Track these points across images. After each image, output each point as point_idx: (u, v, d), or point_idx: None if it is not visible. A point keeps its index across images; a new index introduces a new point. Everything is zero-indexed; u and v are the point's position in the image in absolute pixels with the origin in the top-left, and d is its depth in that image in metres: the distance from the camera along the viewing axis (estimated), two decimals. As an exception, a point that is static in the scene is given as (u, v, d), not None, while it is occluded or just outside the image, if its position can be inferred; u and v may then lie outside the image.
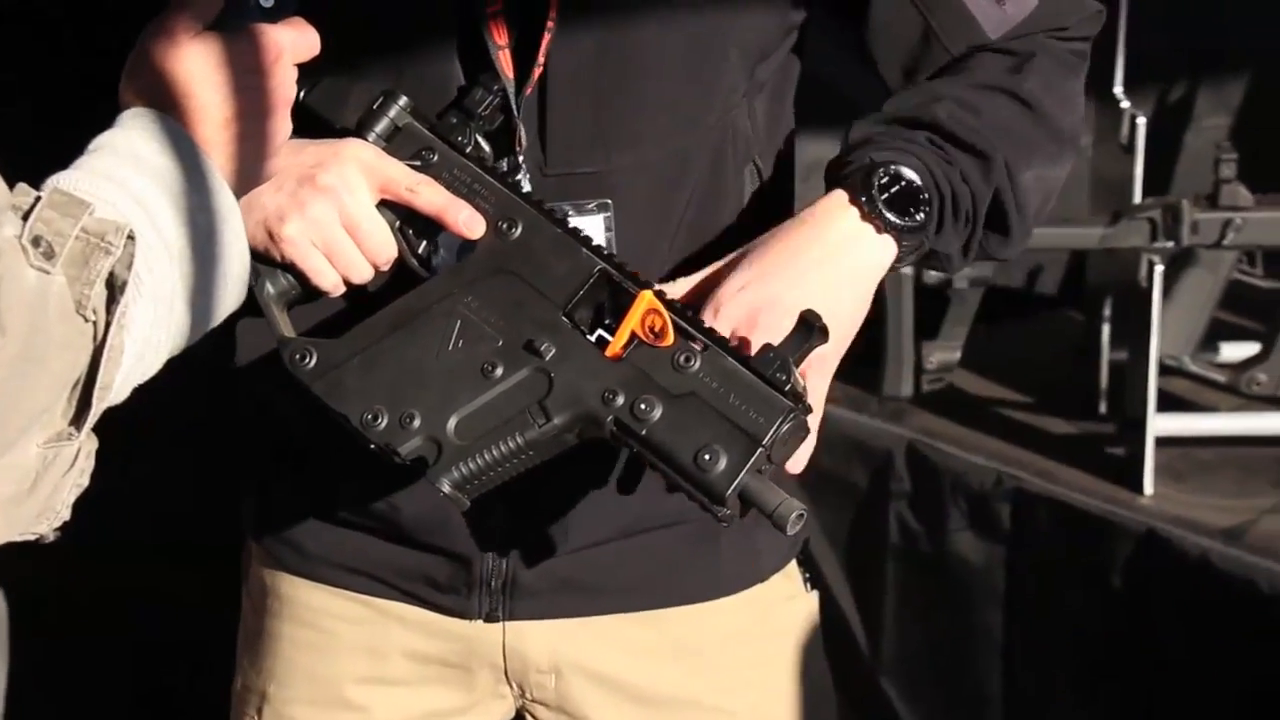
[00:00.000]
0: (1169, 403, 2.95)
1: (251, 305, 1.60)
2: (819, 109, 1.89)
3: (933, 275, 2.93)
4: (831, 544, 2.99)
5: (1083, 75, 1.66)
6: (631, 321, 1.46)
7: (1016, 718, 2.91)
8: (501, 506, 1.61)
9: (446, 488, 1.44)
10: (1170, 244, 2.92)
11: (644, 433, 1.44)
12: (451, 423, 1.46)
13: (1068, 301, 3.50)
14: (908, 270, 2.95)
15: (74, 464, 1.14)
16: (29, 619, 2.70)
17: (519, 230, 1.50)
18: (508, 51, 1.54)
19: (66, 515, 1.16)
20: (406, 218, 1.52)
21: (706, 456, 1.42)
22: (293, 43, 1.33)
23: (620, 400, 1.44)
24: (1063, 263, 3.51)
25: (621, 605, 1.68)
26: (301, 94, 1.49)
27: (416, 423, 1.46)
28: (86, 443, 1.14)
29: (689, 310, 1.47)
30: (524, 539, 1.65)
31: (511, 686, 1.71)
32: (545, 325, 1.47)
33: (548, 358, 1.46)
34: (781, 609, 1.75)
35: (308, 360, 1.49)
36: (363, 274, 1.51)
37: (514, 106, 1.55)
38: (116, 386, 1.14)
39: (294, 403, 1.58)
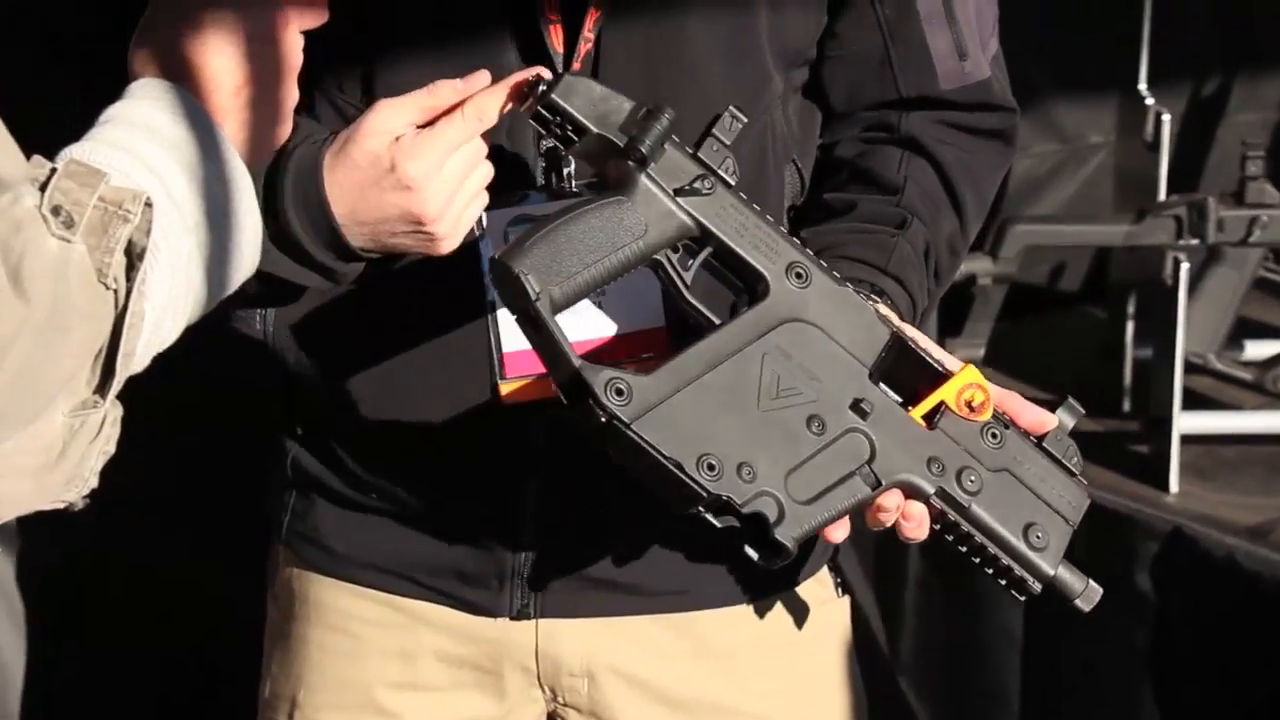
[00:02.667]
0: (1194, 401, 2.94)
1: (281, 298, 1.59)
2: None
3: (957, 272, 2.92)
4: (853, 542, 2.96)
5: (1004, 171, 1.77)
6: (946, 392, 1.47)
7: (1035, 718, 2.90)
8: (537, 500, 1.61)
9: (791, 545, 1.41)
10: (1196, 241, 2.90)
11: (970, 506, 1.45)
12: (787, 479, 1.42)
13: (1092, 299, 3.49)
14: (931, 267, 2.94)
15: (100, 431, 1.14)
16: (53, 620, 2.70)
17: (809, 281, 1.47)
18: (559, 26, 1.55)
19: (95, 483, 1.16)
20: (687, 265, 1.47)
21: (1038, 535, 1.46)
22: (300, 11, 1.33)
23: (947, 472, 1.45)
24: (1087, 260, 3.49)
25: (654, 607, 1.68)
26: (543, 86, 1.46)
27: (757, 478, 1.41)
28: (112, 410, 1.14)
29: None
30: (558, 533, 1.64)
31: (543, 690, 1.70)
32: (860, 385, 1.45)
33: (869, 419, 1.45)
34: (814, 614, 1.75)
35: (625, 396, 1.38)
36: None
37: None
38: (139, 354, 1.15)
39: (330, 399, 1.57)
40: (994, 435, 1.47)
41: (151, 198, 1.14)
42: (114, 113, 1.23)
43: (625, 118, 1.45)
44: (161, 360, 1.22)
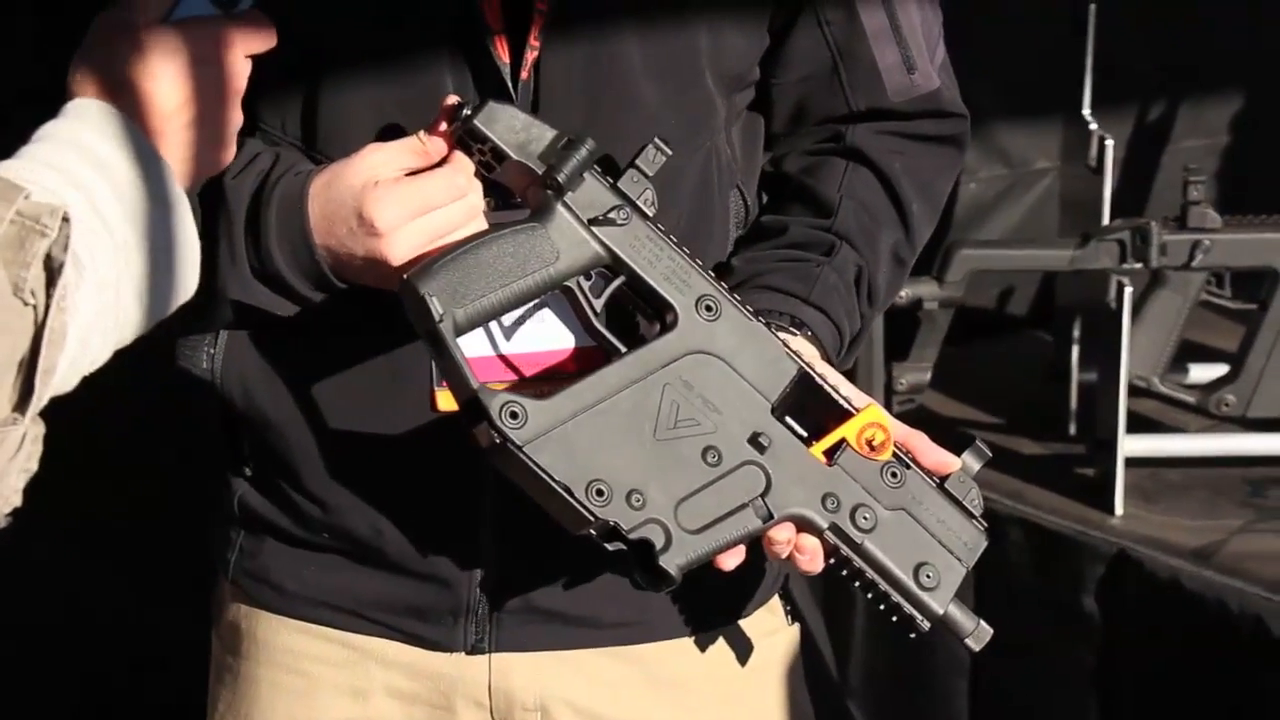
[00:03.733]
0: (1139, 424, 2.95)
1: (236, 324, 1.58)
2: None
3: (903, 296, 2.93)
4: (802, 566, 2.98)
5: (955, 173, 1.78)
6: (848, 430, 1.49)
7: (985, 741, 2.90)
8: (489, 532, 1.61)
9: (675, 573, 1.43)
10: (1139, 265, 2.92)
11: (863, 543, 1.47)
12: (677, 508, 1.44)
13: (1038, 323, 3.51)
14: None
15: (20, 449, 1.13)
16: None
17: (720, 316, 1.49)
18: (504, 38, 1.55)
19: (17, 501, 1.15)
20: (602, 292, 1.49)
21: (928, 575, 1.47)
22: (245, 34, 1.34)
23: (841, 508, 1.47)
24: (1035, 284, 3.51)
25: (608, 639, 1.68)
26: (467, 111, 1.48)
27: (646, 505, 1.43)
28: (32, 427, 1.13)
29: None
30: (512, 565, 1.64)
31: (495, 724, 1.69)
32: (759, 420, 1.47)
33: (766, 453, 1.47)
34: (764, 644, 1.75)
35: (520, 419, 1.41)
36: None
37: (512, 92, 1.55)
38: (61, 372, 1.14)
39: (273, 428, 1.56)
40: (893, 474, 1.49)
41: (70, 213, 1.14)
42: (46, 131, 1.23)
43: (546, 146, 1.48)
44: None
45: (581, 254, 1.48)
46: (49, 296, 1.11)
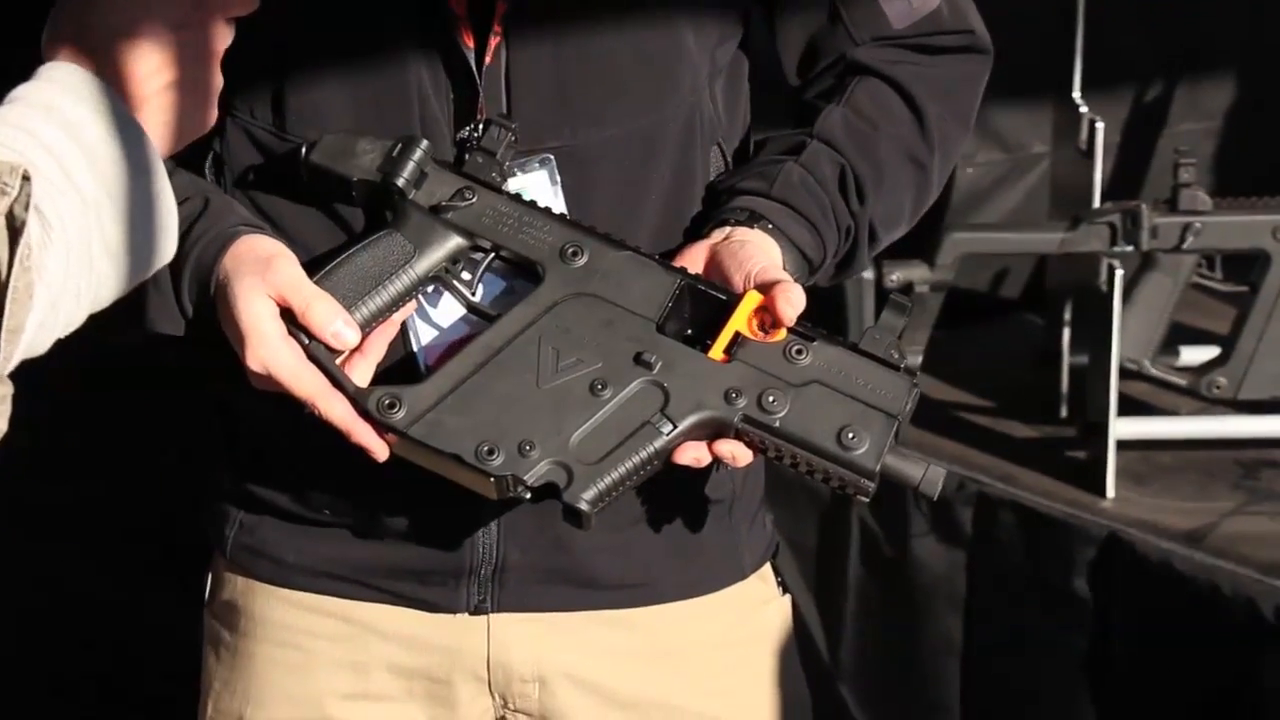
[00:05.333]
0: (1130, 406, 2.95)
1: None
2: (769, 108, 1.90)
3: (894, 280, 2.93)
4: (793, 548, 2.99)
5: (982, 80, 1.76)
6: (737, 321, 1.50)
7: (975, 724, 2.91)
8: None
9: (585, 506, 1.46)
10: (1130, 248, 2.92)
11: (777, 424, 1.48)
12: (573, 445, 1.47)
13: (1031, 306, 3.51)
14: (868, 275, 2.95)
15: None
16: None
17: (585, 256, 1.53)
18: (468, 23, 1.56)
19: None
20: (453, 266, 1.54)
21: (850, 435, 1.47)
22: None
23: (744, 398, 1.48)
24: (1029, 267, 3.51)
25: (608, 601, 1.69)
26: (304, 151, 1.54)
27: (537, 450, 1.47)
28: (1, 387, 1.13)
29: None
30: (513, 525, 1.64)
31: (494, 698, 1.70)
32: (643, 339, 1.50)
33: (656, 369, 1.49)
34: (759, 613, 1.76)
35: (397, 408, 1.48)
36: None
37: (477, 76, 1.57)
38: (29, 333, 1.14)
39: (267, 415, 1.56)
40: (797, 350, 1.50)
41: (36, 172, 1.13)
42: (16, 94, 1.23)
43: (383, 158, 1.54)
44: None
45: (439, 243, 1.54)
46: (12, 255, 1.10)
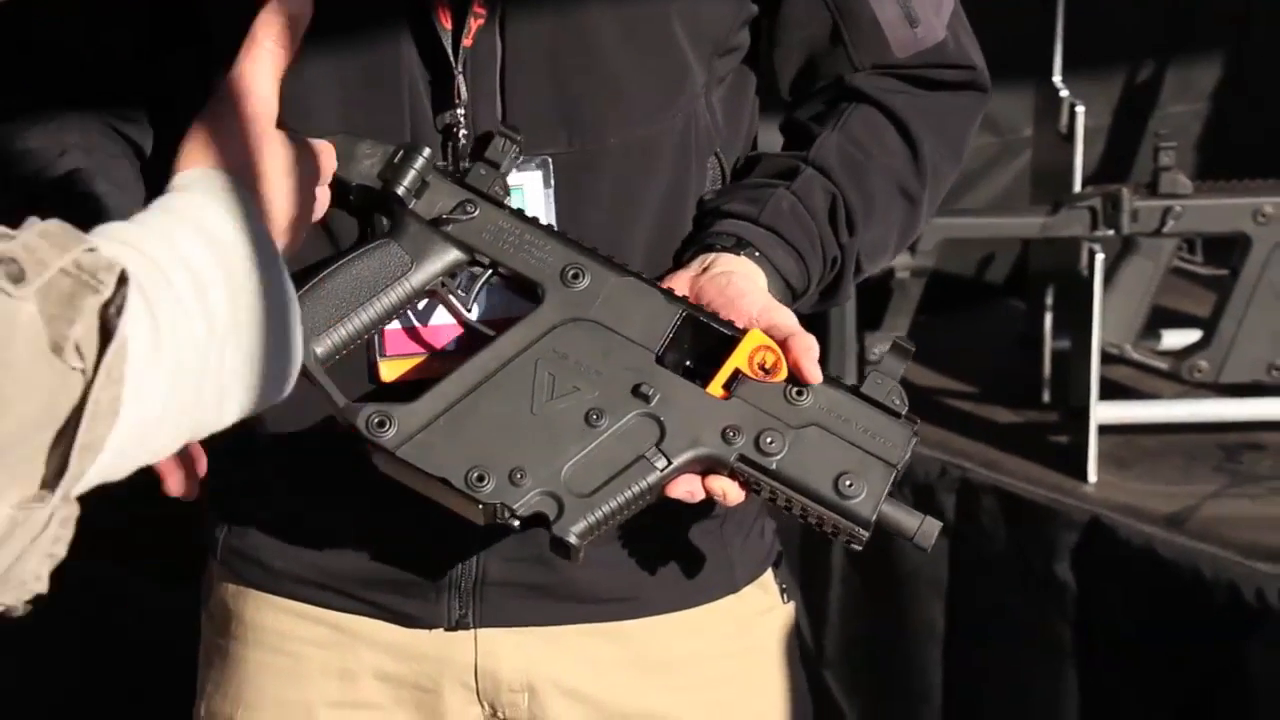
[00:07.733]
0: (1112, 390, 2.96)
1: None
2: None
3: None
4: (777, 534, 2.99)
5: (978, 116, 1.73)
6: (738, 359, 1.46)
7: (957, 710, 2.90)
8: None
9: (574, 540, 1.41)
10: (1111, 232, 2.92)
11: (774, 467, 1.44)
12: (565, 475, 1.43)
13: (1011, 291, 3.51)
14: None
15: (45, 530, 1.00)
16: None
17: (586, 279, 1.49)
18: (445, 6, 1.54)
19: (41, 588, 1.02)
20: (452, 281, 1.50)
21: (848, 483, 1.44)
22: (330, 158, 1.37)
23: (742, 437, 1.45)
24: (1014, 252, 3.51)
25: (595, 615, 1.66)
26: None
27: (528, 479, 1.42)
28: (62, 508, 1.01)
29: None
30: (493, 538, 1.62)
31: (483, 706, 1.68)
32: (642, 370, 1.46)
33: (653, 402, 1.45)
34: (758, 623, 1.73)
35: (387, 427, 1.43)
36: None
37: (451, 58, 1.54)
38: (109, 454, 1.02)
39: (259, 425, 1.55)
40: (797, 392, 1.46)
41: (162, 283, 1.05)
42: (164, 202, 1.16)
43: (383, 164, 1.49)
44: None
45: (438, 256, 1.49)
46: (98, 362, 0.98)
